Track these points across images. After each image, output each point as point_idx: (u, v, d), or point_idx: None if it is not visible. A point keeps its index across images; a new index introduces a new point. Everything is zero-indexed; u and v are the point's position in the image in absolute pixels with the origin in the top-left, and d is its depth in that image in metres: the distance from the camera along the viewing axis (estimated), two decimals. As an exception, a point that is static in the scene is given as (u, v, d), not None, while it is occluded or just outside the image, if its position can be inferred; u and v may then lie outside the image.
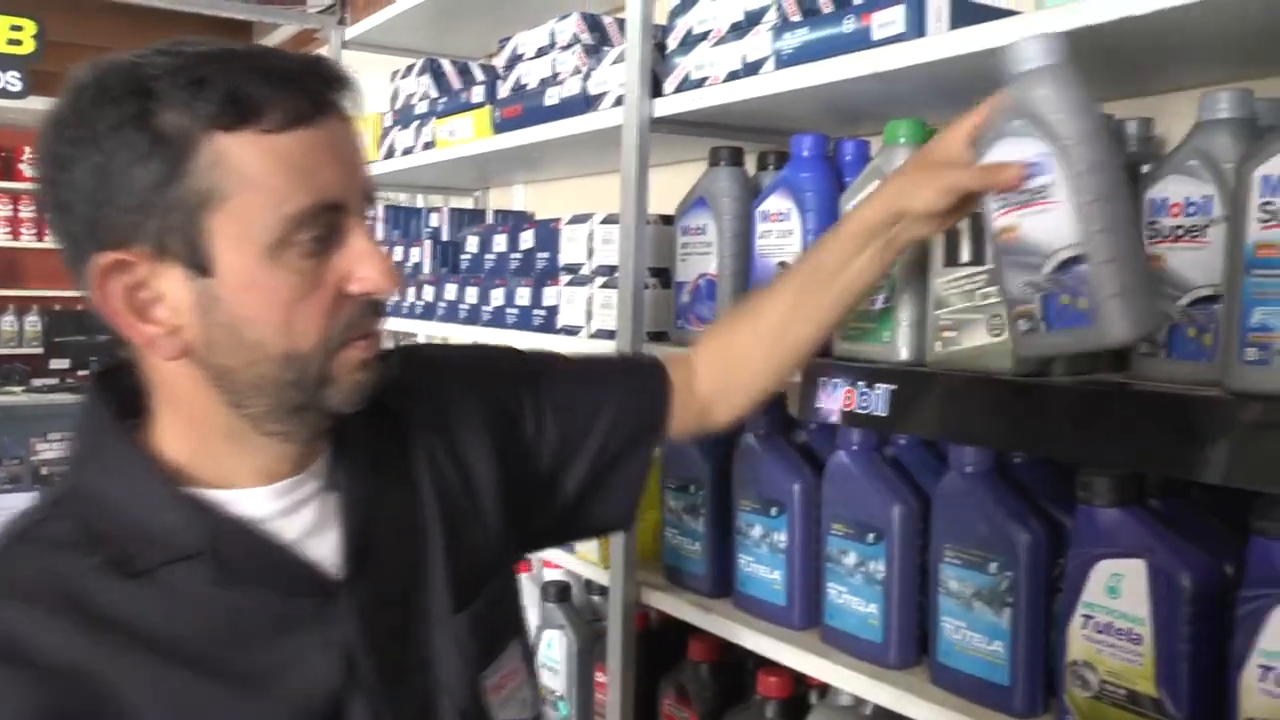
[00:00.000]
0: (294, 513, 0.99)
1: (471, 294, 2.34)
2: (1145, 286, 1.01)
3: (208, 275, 0.89)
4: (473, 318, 2.34)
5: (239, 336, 0.90)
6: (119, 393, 0.99)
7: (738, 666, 1.77)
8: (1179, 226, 1.08)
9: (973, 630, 1.26)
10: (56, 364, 6.09)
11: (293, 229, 0.88)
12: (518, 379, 1.24)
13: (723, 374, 1.31)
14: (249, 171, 0.87)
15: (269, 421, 0.95)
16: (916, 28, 1.31)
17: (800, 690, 1.64)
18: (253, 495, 0.97)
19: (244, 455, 0.97)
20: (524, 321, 2.13)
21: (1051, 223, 1.03)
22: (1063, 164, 1.02)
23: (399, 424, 1.11)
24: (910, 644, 1.38)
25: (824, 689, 1.61)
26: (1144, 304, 1.00)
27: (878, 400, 1.29)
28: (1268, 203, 0.96)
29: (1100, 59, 1.26)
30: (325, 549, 0.99)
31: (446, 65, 2.76)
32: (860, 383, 1.31)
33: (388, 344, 1.03)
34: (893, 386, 1.27)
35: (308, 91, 0.89)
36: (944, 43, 1.27)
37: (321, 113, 0.90)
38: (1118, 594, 1.10)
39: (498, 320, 2.23)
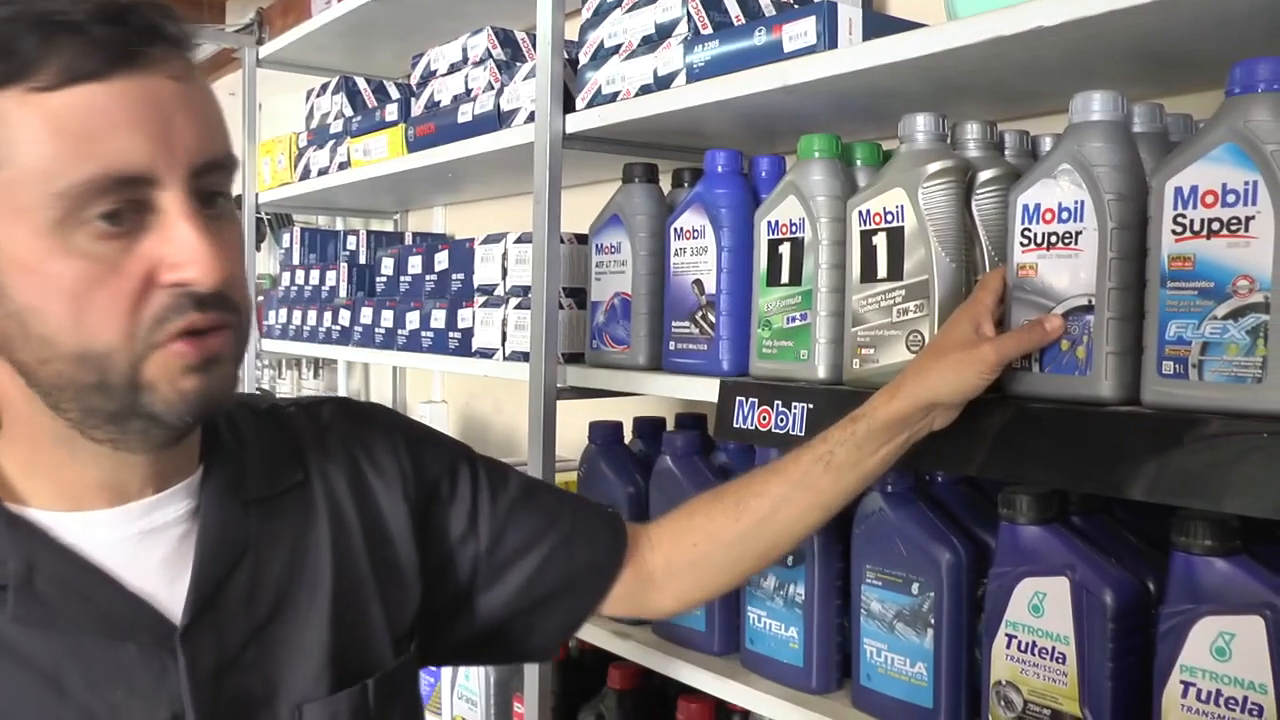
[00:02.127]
0: (147, 542, 0.86)
1: (387, 317, 2.29)
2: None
3: None
4: (388, 341, 2.28)
5: (26, 329, 0.77)
6: None
7: (658, 694, 1.73)
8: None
9: (895, 652, 1.24)
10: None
11: (74, 205, 0.74)
12: (461, 466, 1.10)
13: (683, 556, 1.15)
14: (16, 137, 0.73)
15: (90, 427, 0.81)
16: (828, 40, 1.30)
17: (722, 716, 1.61)
18: (98, 518, 0.84)
19: (81, 466, 0.84)
20: (439, 345, 2.08)
21: (1071, 269, 1.04)
22: (1098, 216, 1.02)
23: (302, 464, 0.98)
24: (832, 668, 1.36)
25: (745, 715, 1.58)
26: (1134, 369, 1.00)
27: (795, 419, 1.26)
28: (1180, 215, 0.95)
29: (1011, 71, 1.25)
30: (177, 590, 0.85)
31: (361, 83, 2.71)
32: (777, 402, 1.28)
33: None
34: (810, 405, 1.25)
35: (97, 41, 0.74)
36: (855, 55, 1.25)
37: (117, 66, 0.75)
38: (1041, 612, 1.08)
39: (413, 344, 2.17)
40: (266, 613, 0.89)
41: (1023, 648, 1.10)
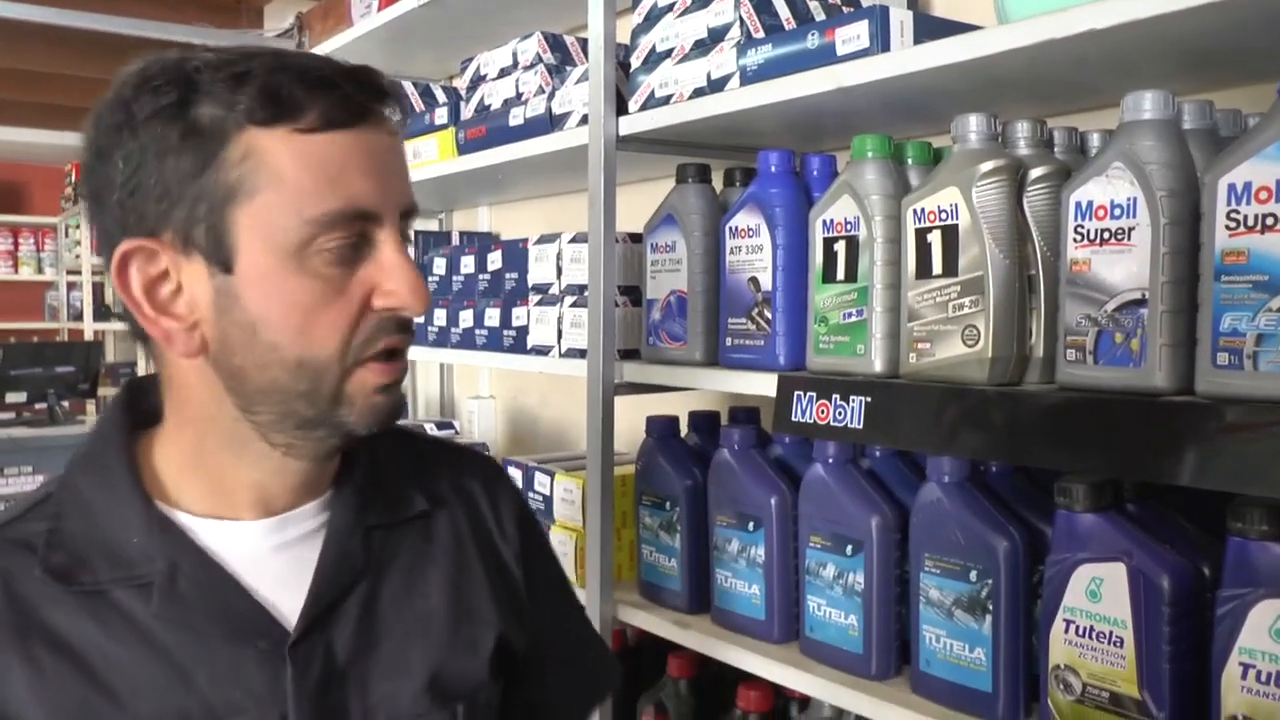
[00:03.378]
0: (276, 554, 0.96)
1: (440, 315, 2.34)
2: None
3: (229, 271, 0.87)
4: (442, 339, 2.33)
5: (254, 337, 0.88)
6: (143, 402, 0.99)
7: (716, 681, 1.77)
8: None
9: (953, 638, 1.27)
10: (12, 398, 6.01)
11: (318, 232, 0.86)
12: (552, 577, 1.20)
13: None
14: (278, 169, 0.86)
15: (276, 431, 0.92)
16: (881, 43, 1.33)
17: (780, 703, 1.65)
18: (240, 529, 0.95)
19: (243, 468, 0.94)
20: (494, 343, 2.13)
21: (1124, 264, 1.07)
22: (1151, 212, 1.05)
23: (430, 490, 1.07)
24: (891, 654, 1.39)
25: (805, 701, 1.61)
26: (1192, 358, 1.03)
27: (853, 413, 1.30)
28: (1233, 211, 0.98)
29: (1058, 69, 1.28)
30: (294, 602, 0.94)
31: (409, 87, 2.76)
32: (835, 396, 1.32)
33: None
34: (867, 399, 1.28)
35: (347, 97, 0.88)
36: (908, 57, 1.28)
37: (360, 120, 0.88)
38: (1098, 598, 1.12)
39: (467, 342, 2.22)
40: (375, 634, 0.97)
41: (1081, 632, 1.13)
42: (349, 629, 0.96)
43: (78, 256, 6.66)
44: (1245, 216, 0.97)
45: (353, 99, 0.88)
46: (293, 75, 0.86)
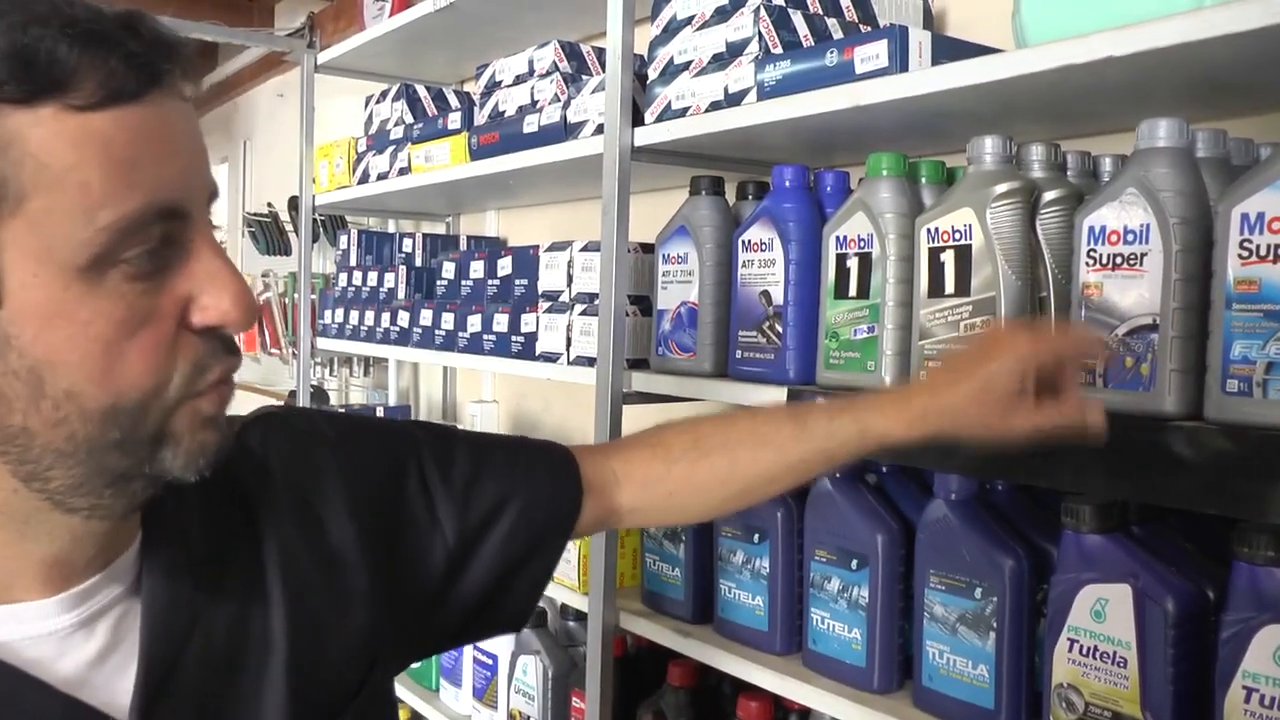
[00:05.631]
0: (84, 630, 0.74)
1: (448, 320, 2.35)
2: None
3: None
4: (449, 344, 2.34)
5: (41, 387, 0.65)
6: None
7: (716, 692, 1.78)
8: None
9: (957, 654, 1.29)
10: None
11: (114, 242, 0.65)
12: (407, 458, 1.01)
13: (654, 503, 1.14)
14: (53, 163, 0.63)
15: (76, 495, 0.70)
16: (899, 63, 1.34)
17: (780, 715, 1.66)
18: (26, 611, 0.72)
19: (26, 543, 0.72)
20: (501, 348, 2.14)
21: (1135, 289, 1.09)
22: (1163, 238, 1.06)
23: (245, 507, 0.87)
24: (893, 669, 1.40)
25: (805, 713, 1.62)
26: (1200, 384, 1.04)
27: (862, 428, 1.31)
28: (1246, 240, 0.99)
29: (1074, 94, 1.29)
30: (122, 682, 0.74)
31: (421, 91, 2.78)
32: (844, 411, 1.33)
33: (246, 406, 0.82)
34: (877, 414, 1.29)
35: (132, 56, 0.66)
36: (927, 78, 1.30)
37: (149, 86, 0.66)
38: (1103, 618, 1.13)
39: (474, 346, 2.23)
40: (219, 688, 0.80)
41: (1085, 652, 1.14)
42: (190, 697, 0.77)
43: None
44: (1258, 246, 0.98)
45: (140, 58, 0.66)
46: (53, 30, 0.63)
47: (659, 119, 1.71)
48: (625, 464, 1.14)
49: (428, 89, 2.80)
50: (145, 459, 0.70)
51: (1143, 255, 1.09)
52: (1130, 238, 1.10)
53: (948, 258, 1.25)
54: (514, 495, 1.05)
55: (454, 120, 2.43)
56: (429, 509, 1.00)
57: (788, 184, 1.52)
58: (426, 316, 2.44)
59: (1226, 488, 0.98)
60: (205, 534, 0.82)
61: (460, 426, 1.16)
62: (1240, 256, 1.00)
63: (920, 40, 1.36)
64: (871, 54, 1.37)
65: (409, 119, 2.71)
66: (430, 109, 2.74)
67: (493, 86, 2.29)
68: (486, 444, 1.09)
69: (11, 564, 0.72)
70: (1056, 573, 1.18)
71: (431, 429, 1.08)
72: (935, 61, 1.36)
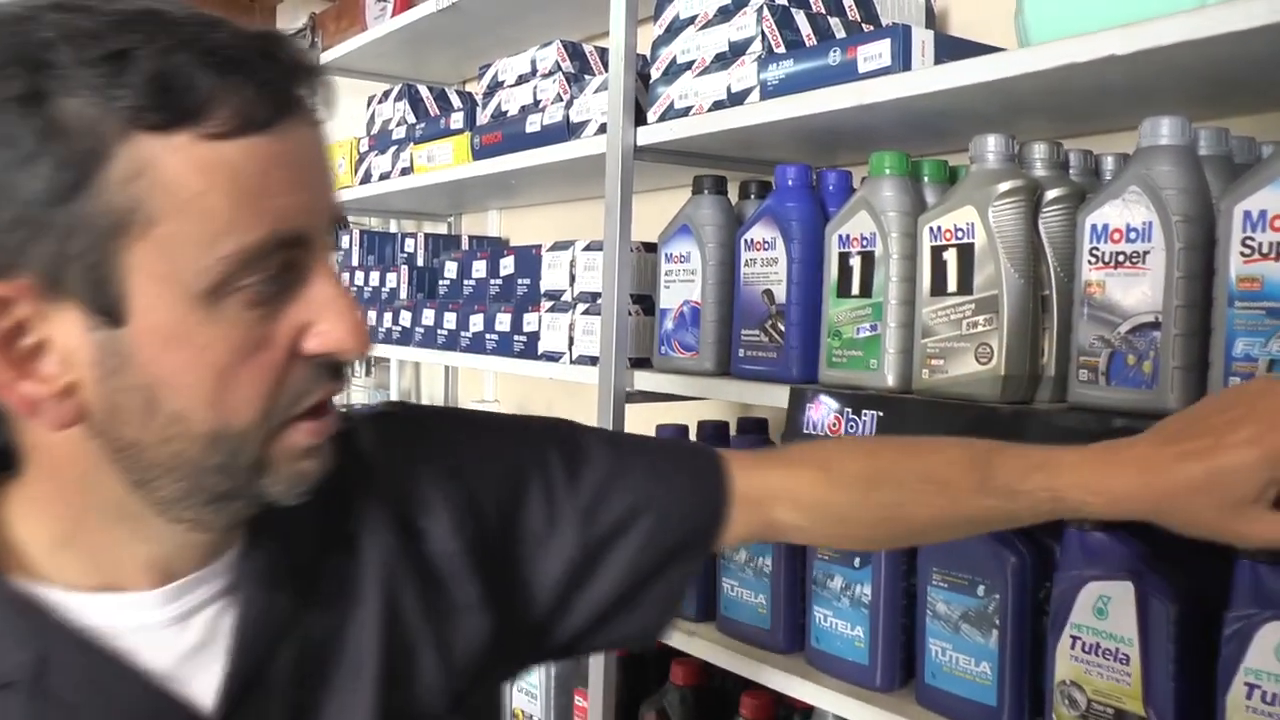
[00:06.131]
0: (180, 624, 0.76)
1: (450, 319, 2.35)
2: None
3: (118, 324, 0.66)
4: (451, 343, 2.35)
5: (154, 406, 0.68)
6: None
7: (719, 691, 1.78)
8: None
9: (960, 652, 1.29)
10: None
11: (238, 270, 0.66)
12: (530, 463, 0.96)
13: (821, 530, 1.05)
14: (183, 190, 0.64)
15: (180, 508, 0.72)
16: (902, 61, 1.35)
17: (783, 713, 1.66)
18: (131, 600, 0.75)
19: (134, 544, 0.75)
20: (504, 347, 2.14)
21: (1138, 287, 1.09)
22: (1165, 236, 1.07)
23: (347, 515, 0.86)
24: (896, 666, 1.40)
25: (808, 712, 1.63)
26: (1203, 381, 1.05)
27: (865, 426, 1.31)
28: (1249, 238, 1.00)
29: (1077, 93, 1.30)
30: (208, 678, 0.75)
31: (423, 91, 2.78)
32: (847, 409, 1.34)
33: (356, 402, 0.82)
34: (879, 413, 1.30)
35: (268, 84, 0.67)
36: (930, 77, 1.30)
37: (283, 115, 0.68)
38: (1105, 615, 1.13)
39: (477, 346, 2.24)
40: (309, 694, 0.80)
41: (1087, 649, 1.15)
42: (278, 698, 0.78)
43: None
44: (1260, 244, 0.99)
45: (274, 86, 0.67)
46: (193, 56, 0.64)
47: (662, 118, 1.72)
48: (789, 479, 1.02)
49: (430, 89, 2.80)
50: (245, 483, 0.72)
51: (1145, 253, 1.09)
52: (1133, 235, 1.10)
53: (950, 256, 1.25)
54: (650, 504, 0.98)
55: (456, 120, 2.44)
56: (550, 517, 0.95)
57: (790, 183, 1.52)
58: (428, 316, 2.45)
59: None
60: (304, 542, 0.82)
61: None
62: (1242, 254, 1.00)
63: (923, 39, 1.36)
64: (875, 53, 1.37)
65: (411, 119, 2.71)
66: (432, 109, 2.75)
67: (495, 86, 2.29)
68: (628, 448, 1.03)
69: (117, 559, 0.75)
70: (1059, 570, 1.18)
71: (569, 429, 1.02)
72: (938, 61, 1.36)
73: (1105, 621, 1.13)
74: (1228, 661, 1.03)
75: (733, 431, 1.82)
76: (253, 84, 0.66)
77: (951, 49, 1.38)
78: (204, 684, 0.75)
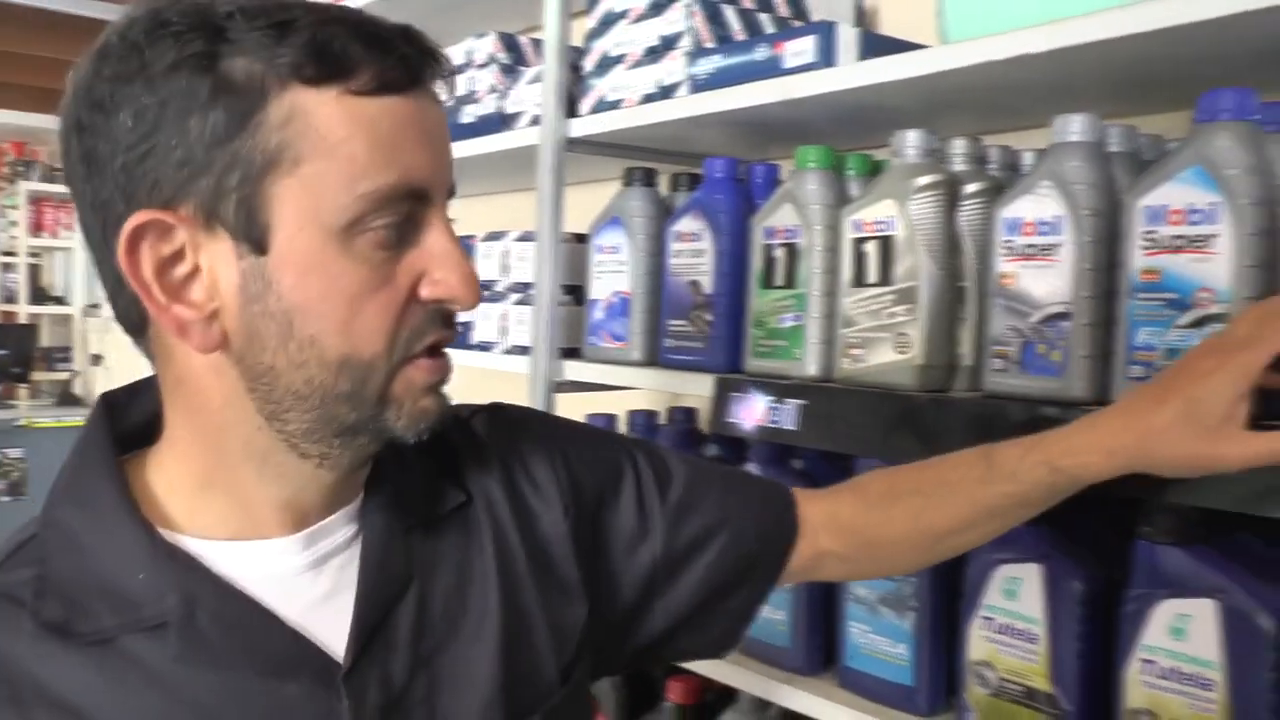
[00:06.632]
0: (313, 571, 0.83)
1: (384, 309, 2.35)
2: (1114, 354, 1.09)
3: (262, 252, 0.75)
4: (385, 332, 2.35)
5: (290, 330, 0.76)
6: (124, 420, 0.86)
7: (646, 676, 1.80)
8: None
9: (879, 634, 1.32)
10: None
11: (369, 210, 0.75)
12: (625, 467, 1.03)
13: (861, 558, 1.10)
14: (330, 135, 0.74)
15: (309, 440, 0.80)
16: (827, 58, 1.38)
17: (708, 696, 1.68)
18: (264, 548, 0.82)
19: (266, 483, 0.82)
20: (438, 337, 2.15)
21: (1048, 279, 1.12)
22: (1074, 230, 1.10)
23: (463, 488, 0.93)
24: (818, 650, 1.44)
25: (732, 694, 1.65)
26: (1109, 370, 1.08)
27: (788, 415, 1.34)
28: (1150, 231, 1.03)
29: (997, 89, 1.33)
30: (338, 626, 0.81)
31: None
32: (771, 398, 1.36)
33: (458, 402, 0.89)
34: (803, 401, 1.32)
35: (405, 58, 0.77)
36: (852, 73, 1.33)
37: (414, 84, 0.78)
38: (1015, 597, 1.17)
39: (411, 335, 2.24)
40: (433, 645, 0.85)
41: (998, 629, 1.19)
42: (403, 647, 0.84)
43: (14, 237, 6.55)
44: (1161, 237, 1.02)
45: (409, 60, 0.77)
46: (344, 29, 0.75)
47: (594, 111, 1.74)
48: (829, 503, 1.10)
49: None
50: (371, 415, 0.79)
51: (1056, 246, 1.12)
52: (1044, 229, 1.13)
53: (871, 248, 1.28)
54: (727, 522, 1.04)
55: (392, 110, 2.43)
56: (642, 520, 1.01)
57: (718, 176, 1.55)
58: (364, 306, 2.44)
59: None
60: (425, 502, 0.90)
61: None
62: (1144, 247, 1.04)
63: (848, 36, 1.39)
64: (800, 49, 1.40)
65: (348, 109, 2.70)
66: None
67: (431, 77, 2.29)
68: (706, 469, 1.10)
69: (250, 500, 0.82)
70: (972, 554, 1.22)
71: (653, 446, 1.09)
72: (863, 57, 1.40)
73: (1015, 603, 1.17)
74: (1126, 638, 1.07)
75: (662, 421, 1.85)
76: (393, 55, 0.76)
77: (877, 46, 1.41)
78: (335, 630, 0.81)
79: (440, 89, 0.81)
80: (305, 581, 0.83)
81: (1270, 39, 1.07)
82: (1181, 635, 1.03)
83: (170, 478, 0.83)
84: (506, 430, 1.00)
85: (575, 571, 0.95)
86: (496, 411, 1.03)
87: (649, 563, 1.01)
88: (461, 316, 2.05)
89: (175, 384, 0.81)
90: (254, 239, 0.75)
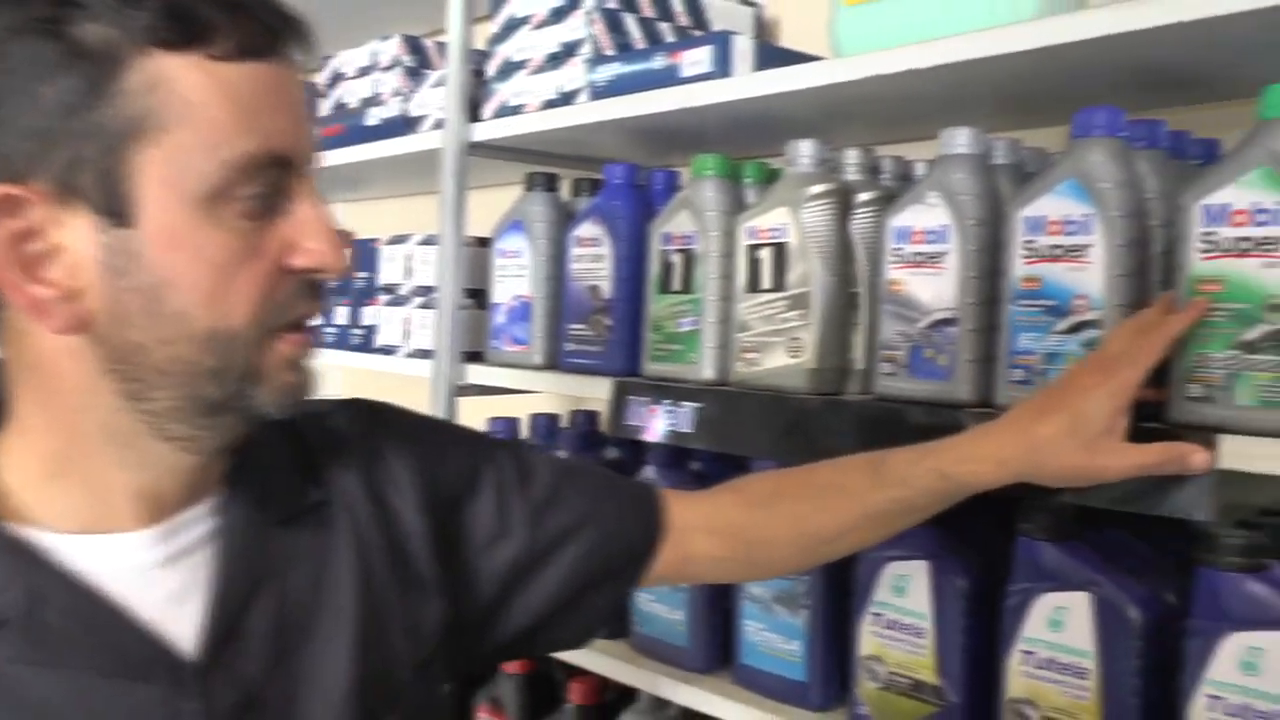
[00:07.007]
0: (168, 566, 0.80)
1: (285, 312, 2.33)
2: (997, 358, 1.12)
3: (126, 225, 0.72)
4: (286, 336, 2.33)
5: (158, 305, 0.73)
6: None
7: (548, 677, 1.81)
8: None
9: (773, 632, 1.35)
10: None
11: (235, 179, 0.73)
12: (485, 464, 1.02)
13: (733, 554, 1.10)
14: (192, 102, 0.72)
15: (174, 420, 0.77)
16: (723, 68, 1.40)
17: (609, 696, 1.70)
18: (117, 543, 0.79)
19: (126, 470, 0.79)
20: (342, 340, 2.14)
21: (935, 285, 1.16)
22: (960, 239, 1.14)
23: (322, 485, 0.91)
24: (714, 648, 1.46)
25: (632, 694, 1.67)
26: (993, 373, 1.12)
27: (684, 418, 1.36)
28: (1030, 240, 1.08)
29: (888, 102, 1.37)
30: (191, 623, 0.79)
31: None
32: (667, 401, 1.38)
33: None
34: (698, 405, 1.35)
35: (263, 22, 0.75)
36: (746, 83, 1.36)
37: (277, 50, 0.76)
38: (904, 593, 1.21)
39: (313, 339, 2.23)
40: (289, 643, 0.83)
41: (887, 625, 1.22)
42: (258, 645, 0.81)
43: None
44: (1040, 246, 1.07)
45: (269, 26, 0.75)
46: None
47: (496, 115, 1.75)
48: (706, 504, 1.11)
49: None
50: (237, 391, 0.77)
51: (942, 254, 1.16)
52: (931, 238, 1.17)
53: (765, 255, 1.31)
54: (590, 521, 1.04)
55: (295, 111, 2.42)
56: (501, 517, 1.01)
57: (618, 182, 1.56)
58: (265, 309, 2.42)
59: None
60: (283, 499, 0.87)
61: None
62: (1024, 256, 1.08)
63: (744, 47, 1.42)
64: (697, 59, 1.43)
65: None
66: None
67: (336, 78, 2.29)
68: (574, 469, 1.11)
69: (107, 488, 0.79)
70: (863, 552, 1.25)
71: (518, 444, 1.08)
72: (760, 68, 1.43)
73: (904, 599, 1.21)
74: (1007, 630, 1.11)
75: (564, 424, 1.86)
76: (254, 19, 0.75)
77: (773, 57, 1.44)
78: (187, 628, 0.79)
79: (301, 57, 0.79)
80: (159, 577, 0.79)
81: (1137, 60, 1.12)
82: (1059, 627, 1.08)
83: (18, 466, 0.79)
84: (367, 425, 0.98)
85: (433, 569, 0.94)
86: (357, 407, 1.00)
87: (509, 560, 1.00)
88: (366, 319, 2.06)
89: (26, 367, 0.78)
90: (115, 211, 0.72)
